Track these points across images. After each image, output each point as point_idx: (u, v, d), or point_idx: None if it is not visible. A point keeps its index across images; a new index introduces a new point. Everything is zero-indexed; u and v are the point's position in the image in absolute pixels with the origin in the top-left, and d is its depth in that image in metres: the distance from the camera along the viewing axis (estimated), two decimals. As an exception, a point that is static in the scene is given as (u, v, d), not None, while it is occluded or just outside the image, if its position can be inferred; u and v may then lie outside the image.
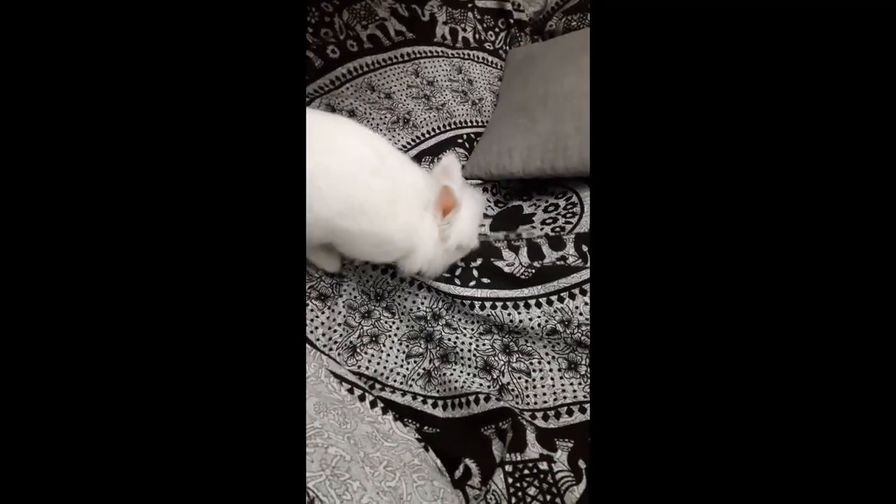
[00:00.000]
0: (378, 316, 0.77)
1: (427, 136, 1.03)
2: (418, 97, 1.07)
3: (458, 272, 0.77)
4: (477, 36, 1.24)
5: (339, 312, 0.77)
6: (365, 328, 0.76)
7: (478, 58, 1.22)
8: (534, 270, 0.74)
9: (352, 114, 0.96)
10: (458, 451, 0.63)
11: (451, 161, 0.67)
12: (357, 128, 0.69)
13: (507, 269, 0.75)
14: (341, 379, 0.64)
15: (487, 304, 0.74)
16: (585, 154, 0.88)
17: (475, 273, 0.77)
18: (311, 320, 0.75)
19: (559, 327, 0.70)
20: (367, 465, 0.50)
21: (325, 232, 0.68)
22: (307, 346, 0.67)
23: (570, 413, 0.64)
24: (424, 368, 0.73)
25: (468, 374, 0.71)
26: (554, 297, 0.72)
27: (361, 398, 0.63)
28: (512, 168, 0.99)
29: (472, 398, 0.67)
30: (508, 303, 0.73)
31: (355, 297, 0.79)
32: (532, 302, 0.72)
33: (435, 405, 0.69)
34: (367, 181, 0.64)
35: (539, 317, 0.71)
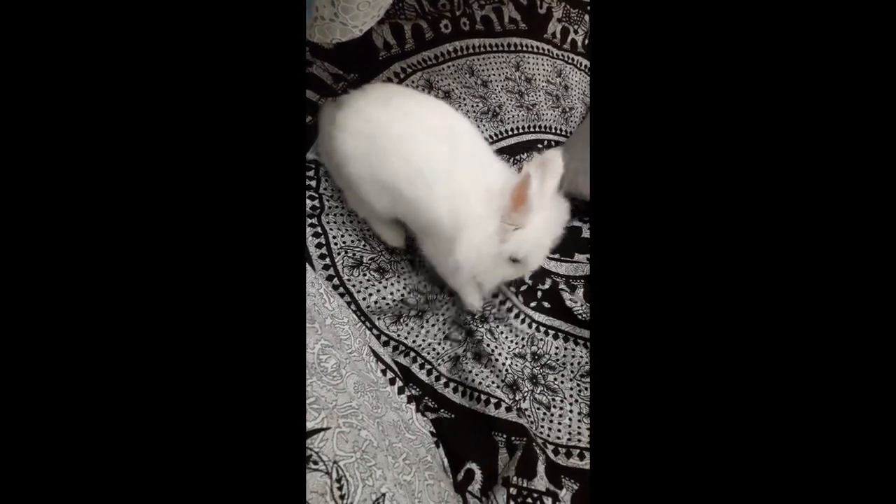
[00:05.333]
0: (433, 298, 0.79)
1: (511, 133, 1.02)
2: (513, 91, 1.04)
3: (522, 287, 0.77)
4: (587, 42, 1.19)
5: (398, 290, 0.79)
6: (418, 304, 0.78)
7: (580, 64, 1.17)
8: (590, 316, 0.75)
9: (447, 95, 0.94)
10: (466, 451, 0.65)
11: (555, 156, 0.56)
12: (447, 108, 0.68)
13: (568, 303, 0.75)
14: (378, 358, 0.66)
15: (542, 329, 0.75)
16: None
17: (539, 294, 0.77)
18: (367, 287, 0.77)
19: None
20: (390, 455, 0.52)
21: (391, 203, 0.68)
22: (355, 318, 0.69)
23: (581, 457, 0.66)
24: (457, 353, 0.75)
25: (493, 381, 0.73)
26: None
27: (392, 381, 0.66)
28: (584, 190, 0.97)
29: (492, 399, 0.69)
30: (560, 333, 0.74)
31: (423, 284, 0.81)
32: (581, 341, 0.73)
33: (455, 390, 0.72)
34: (434, 150, 0.62)
35: (582, 356, 0.72)
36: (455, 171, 0.61)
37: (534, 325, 0.76)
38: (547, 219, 0.59)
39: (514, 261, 0.62)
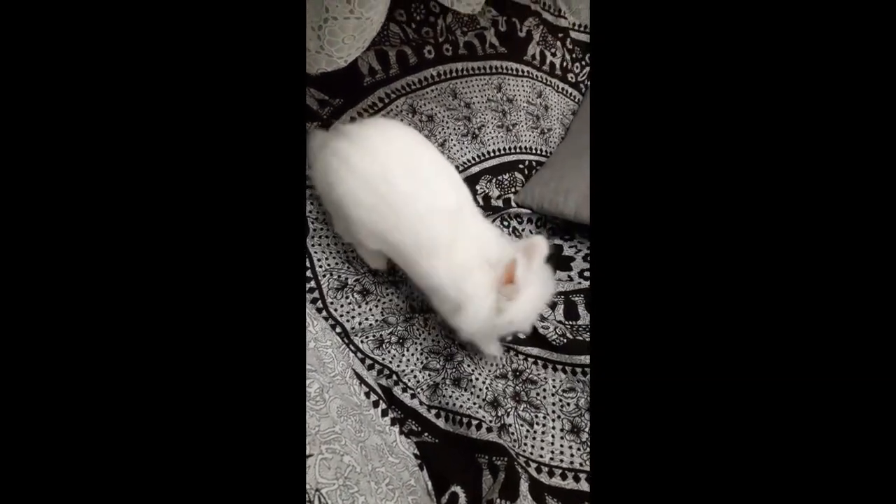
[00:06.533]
0: (414, 322, 0.80)
1: (492, 154, 1.04)
2: (496, 111, 1.07)
3: None
4: (564, 64, 1.23)
5: (380, 312, 0.80)
6: (398, 329, 0.79)
7: (558, 87, 1.21)
8: (566, 340, 0.77)
9: (430, 118, 0.97)
10: (450, 473, 0.66)
11: (540, 242, 0.63)
12: (450, 168, 0.71)
13: (541, 331, 0.77)
14: (362, 381, 0.67)
15: (519, 355, 0.77)
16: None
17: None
18: (349, 311, 0.78)
19: (577, 387, 0.73)
20: (373, 481, 0.52)
21: (385, 248, 0.71)
22: (339, 341, 0.69)
23: (563, 477, 0.67)
24: (435, 382, 0.76)
25: (474, 402, 0.74)
26: (578, 369, 0.75)
27: (375, 404, 0.66)
28: (565, 209, 1.00)
29: (473, 422, 0.70)
30: (539, 361, 0.76)
31: (398, 305, 0.82)
32: (559, 367, 0.75)
33: (438, 415, 0.73)
34: (440, 226, 0.66)
35: (562, 379, 0.74)
36: (456, 246, 0.66)
37: (511, 352, 0.78)
38: (535, 291, 0.67)
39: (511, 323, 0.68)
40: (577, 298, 0.85)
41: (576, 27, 1.26)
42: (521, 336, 0.78)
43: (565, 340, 0.76)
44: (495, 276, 0.64)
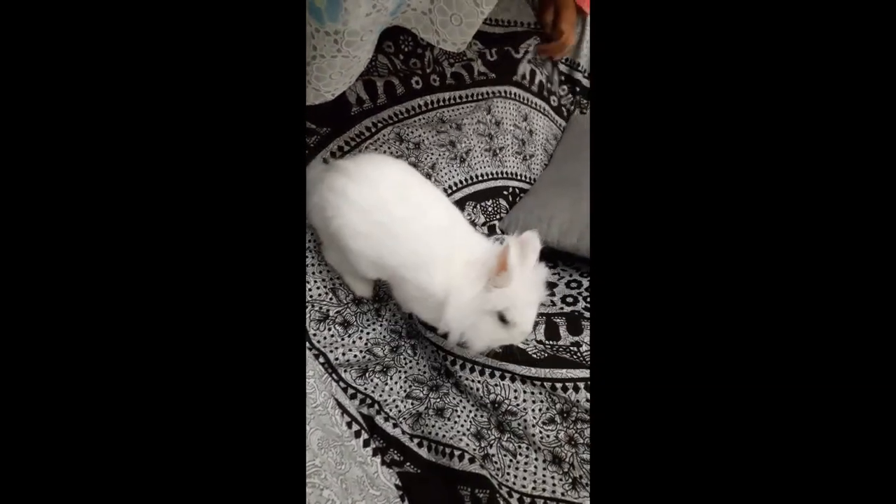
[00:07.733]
0: (401, 352, 0.81)
1: (478, 179, 1.06)
2: (483, 134, 1.09)
3: None
4: (549, 85, 1.25)
5: (365, 341, 0.80)
6: (387, 359, 0.80)
7: (543, 109, 1.23)
8: (546, 353, 0.77)
9: (417, 146, 0.98)
10: (431, 504, 0.66)
11: (533, 238, 0.65)
12: (437, 191, 0.75)
13: (521, 345, 0.78)
14: (344, 410, 0.67)
15: (497, 374, 0.77)
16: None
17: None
18: (332, 343, 0.78)
19: (557, 418, 0.73)
20: (353, 515, 0.52)
21: (383, 274, 0.72)
22: (322, 370, 0.69)
23: (545, 508, 0.67)
24: (418, 411, 0.76)
25: (458, 431, 0.74)
26: (559, 385, 0.75)
27: (357, 434, 0.66)
28: (548, 237, 1.01)
29: (456, 452, 0.70)
30: (516, 377, 0.76)
31: (383, 335, 0.82)
32: (538, 382, 0.75)
33: (420, 444, 0.73)
34: (436, 241, 0.69)
35: (542, 402, 0.74)
36: (454, 259, 0.68)
37: (486, 371, 0.78)
38: (529, 282, 0.66)
39: (504, 321, 0.66)
40: (558, 320, 0.86)
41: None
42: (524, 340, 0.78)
43: (545, 354, 0.77)
44: (487, 269, 0.65)
